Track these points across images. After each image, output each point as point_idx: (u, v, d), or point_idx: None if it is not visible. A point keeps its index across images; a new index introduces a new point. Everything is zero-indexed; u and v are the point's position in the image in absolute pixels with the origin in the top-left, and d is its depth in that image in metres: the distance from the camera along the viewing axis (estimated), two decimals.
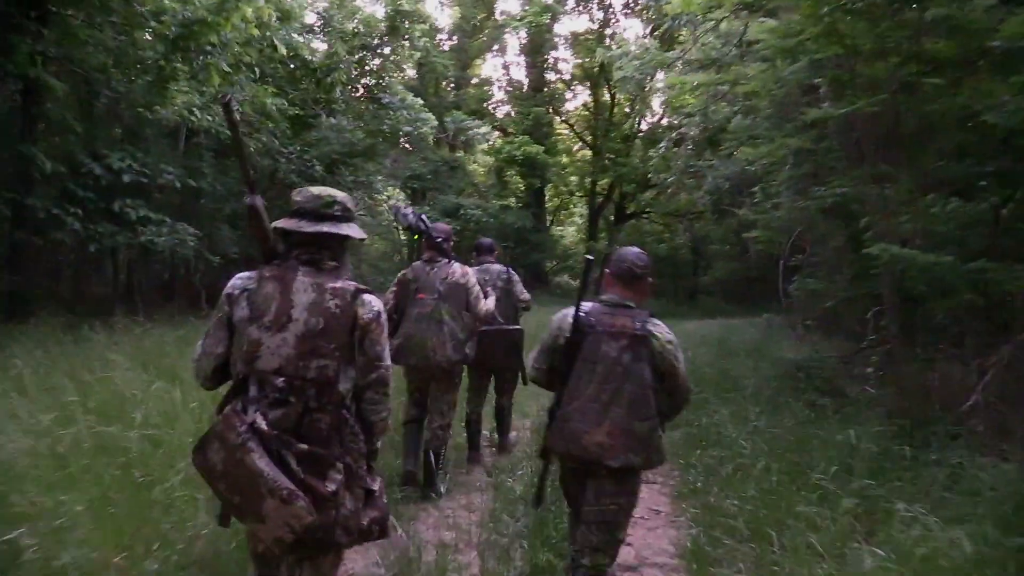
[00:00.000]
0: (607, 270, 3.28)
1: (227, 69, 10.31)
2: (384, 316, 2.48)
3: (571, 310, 3.16)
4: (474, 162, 31.14)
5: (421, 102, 15.91)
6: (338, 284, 2.40)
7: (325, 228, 2.42)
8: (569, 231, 38.29)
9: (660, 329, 3.12)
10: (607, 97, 31.21)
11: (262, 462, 2.15)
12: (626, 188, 30.63)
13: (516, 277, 6.12)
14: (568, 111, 33.51)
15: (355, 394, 2.46)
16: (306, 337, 2.33)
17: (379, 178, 18.44)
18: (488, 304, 5.08)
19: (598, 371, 3.04)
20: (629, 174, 29.36)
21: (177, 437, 4.59)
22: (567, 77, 32.08)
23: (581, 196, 34.19)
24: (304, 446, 2.27)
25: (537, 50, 29.65)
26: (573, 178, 32.80)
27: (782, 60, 7.52)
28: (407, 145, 27.69)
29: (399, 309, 4.94)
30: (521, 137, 26.85)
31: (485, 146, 29.28)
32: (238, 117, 2.62)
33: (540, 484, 3.36)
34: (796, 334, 11.78)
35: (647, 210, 32.75)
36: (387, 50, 15.96)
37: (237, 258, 15.37)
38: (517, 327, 5.87)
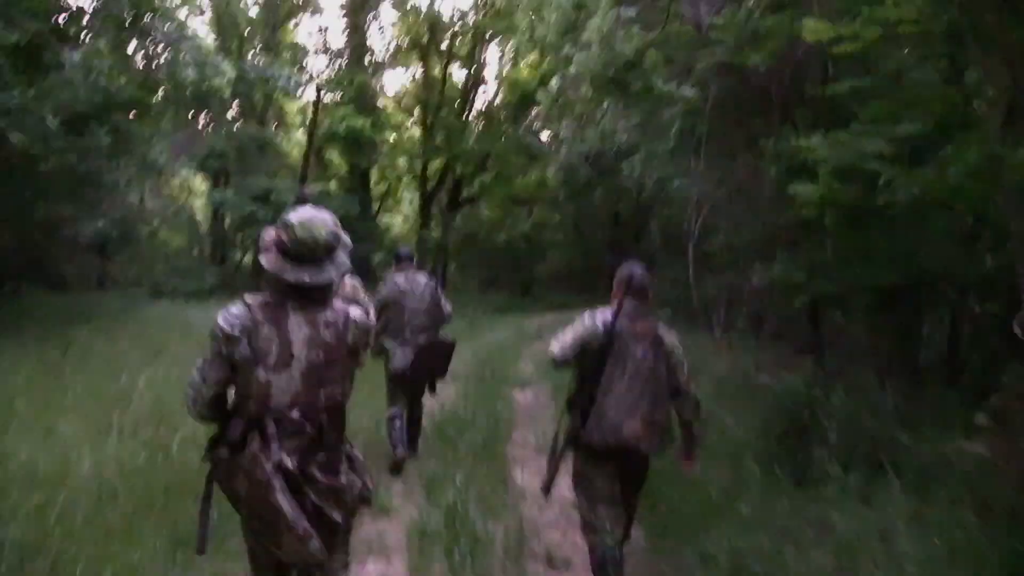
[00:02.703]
0: (620, 283, 3.64)
1: None
2: (371, 321, 2.81)
3: (600, 313, 3.56)
4: (285, 139, 26.91)
5: (213, 43, 11.81)
6: (328, 316, 2.49)
7: (307, 279, 2.44)
8: (396, 220, 34.67)
9: (670, 333, 3.65)
10: (437, 71, 27.97)
11: (284, 501, 2.29)
12: (463, 170, 27.51)
13: (439, 287, 6.13)
14: (394, 88, 29.95)
15: None
16: (310, 371, 2.43)
17: (159, 149, 14.09)
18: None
19: (628, 369, 3.45)
20: (465, 154, 26.27)
21: None
22: (393, 47, 28.34)
23: (411, 179, 30.68)
24: (321, 456, 2.44)
25: (359, 10, 25.66)
26: (401, 160, 29.18)
27: None
28: (203, 116, 23.15)
29: None
30: (344, 108, 23.02)
31: (298, 119, 25.21)
32: None
33: (551, 475, 3.67)
34: (719, 341, 9.15)
35: (480, 197, 29.83)
36: None
37: None
38: (451, 340, 6.00)
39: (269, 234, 2.49)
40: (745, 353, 7.67)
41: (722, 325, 9.59)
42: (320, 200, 22.99)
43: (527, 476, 5.75)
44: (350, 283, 5.16)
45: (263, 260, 2.46)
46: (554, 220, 31.82)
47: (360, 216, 24.92)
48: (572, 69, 8.95)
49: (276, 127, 26.06)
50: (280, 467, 2.31)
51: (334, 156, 26.68)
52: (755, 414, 5.75)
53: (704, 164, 9.47)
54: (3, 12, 9.24)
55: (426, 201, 28.77)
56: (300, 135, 28.71)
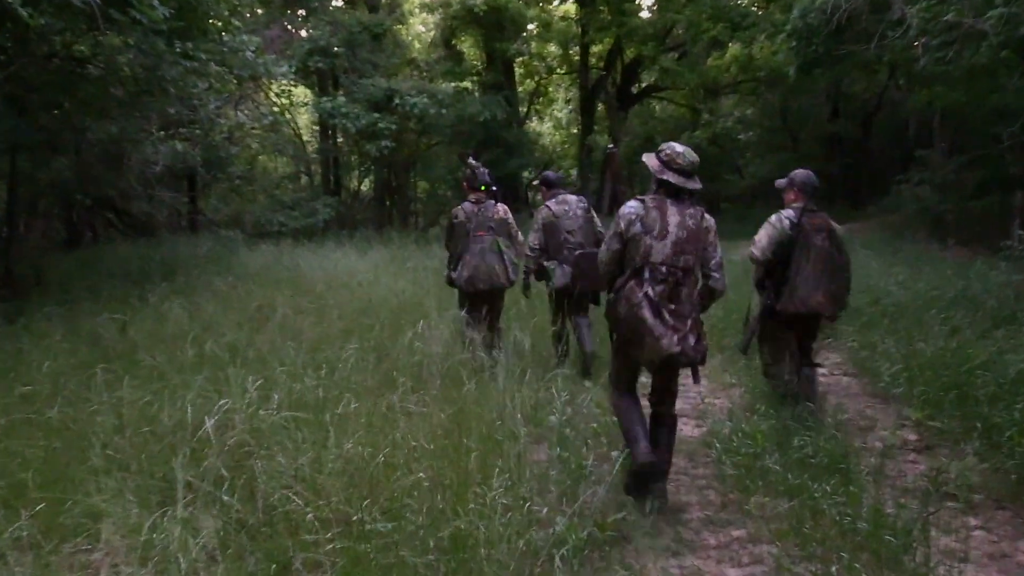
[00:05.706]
0: (800, 187, 5.14)
1: None
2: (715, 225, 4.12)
3: (783, 215, 5.08)
4: (403, 29, 22.34)
5: None
6: (691, 211, 3.97)
7: (691, 185, 3.98)
8: (545, 127, 29.76)
9: (836, 224, 5.21)
10: None
11: (648, 314, 3.79)
12: (636, 52, 22.19)
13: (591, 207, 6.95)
14: None
15: (703, 274, 4.08)
16: (677, 243, 3.90)
17: (246, 39, 9.88)
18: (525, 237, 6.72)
19: (811, 255, 5.01)
20: (640, 30, 20.96)
21: None
22: None
23: (564, 73, 25.64)
24: (672, 306, 3.86)
25: None
26: (552, 47, 24.03)
27: None
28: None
29: (455, 245, 6.42)
30: None
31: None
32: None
33: (749, 338, 5.46)
34: None
35: (660, 87, 24.46)
36: None
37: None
38: None
39: (653, 160, 4.03)
40: None
41: None
42: (455, 104, 18.62)
43: None
44: (502, 208, 6.45)
45: (663, 176, 3.94)
46: (746, 115, 26.27)
47: (506, 122, 20.29)
48: None
49: (392, 13, 21.42)
50: (647, 296, 3.81)
51: (467, 45, 21.98)
52: None
53: None
54: None
55: (588, 97, 23.74)
56: (420, 24, 24.09)
